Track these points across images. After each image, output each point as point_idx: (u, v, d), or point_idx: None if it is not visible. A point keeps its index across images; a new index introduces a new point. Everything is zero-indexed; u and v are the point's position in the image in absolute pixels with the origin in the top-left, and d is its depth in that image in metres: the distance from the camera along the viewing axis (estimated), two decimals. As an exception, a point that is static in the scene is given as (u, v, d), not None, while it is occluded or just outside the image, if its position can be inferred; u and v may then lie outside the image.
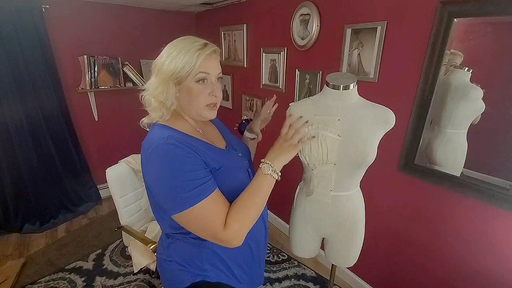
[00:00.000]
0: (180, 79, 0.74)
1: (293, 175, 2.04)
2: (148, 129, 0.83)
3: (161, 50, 0.78)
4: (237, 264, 0.89)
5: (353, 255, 1.23)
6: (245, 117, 2.46)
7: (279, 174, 0.79)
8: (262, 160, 0.80)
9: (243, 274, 0.91)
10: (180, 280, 0.85)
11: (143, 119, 0.83)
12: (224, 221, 0.71)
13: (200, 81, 0.75)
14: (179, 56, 0.72)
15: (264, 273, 1.72)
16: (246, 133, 1.15)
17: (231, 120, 2.72)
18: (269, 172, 0.77)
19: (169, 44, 0.78)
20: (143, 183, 1.70)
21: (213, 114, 0.82)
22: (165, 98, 0.75)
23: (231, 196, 0.81)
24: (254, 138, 1.15)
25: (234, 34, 2.56)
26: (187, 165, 0.70)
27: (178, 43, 0.76)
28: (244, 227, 0.74)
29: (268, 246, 2.31)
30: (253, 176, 0.93)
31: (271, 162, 0.79)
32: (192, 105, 0.78)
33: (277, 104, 1.15)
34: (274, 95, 1.17)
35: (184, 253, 0.85)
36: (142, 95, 0.79)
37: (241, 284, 0.91)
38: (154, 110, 0.78)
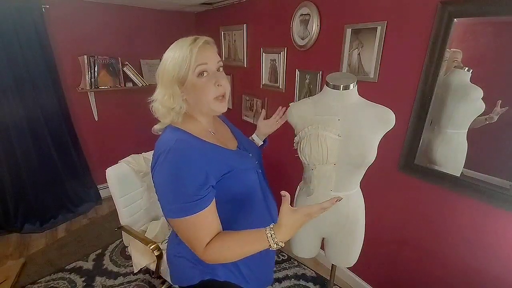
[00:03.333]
0: (182, 79, 0.74)
1: (293, 175, 2.03)
2: (160, 133, 0.82)
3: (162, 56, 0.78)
4: (245, 263, 0.89)
5: (353, 255, 1.24)
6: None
7: (282, 246, 0.71)
8: (272, 227, 0.70)
9: (250, 274, 0.92)
10: (189, 277, 0.87)
11: (155, 126, 0.82)
12: (207, 242, 0.71)
13: (201, 74, 0.74)
14: (174, 57, 0.73)
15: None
16: (253, 135, 1.16)
17: (231, 120, 2.71)
18: (271, 243, 0.69)
19: (167, 50, 0.77)
20: (143, 183, 1.72)
21: (223, 107, 0.80)
22: (173, 103, 0.75)
23: (240, 199, 0.82)
24: (253, 140, 1.16)
25: (234, 34, 2.56)
26: (185, 179, 0.69)
27: (173, 46, 0.76)
28: (219, 261, 0.75)
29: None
30: (263, 178, 0.93)
31: (279, 238, 0.69)
32: (201, 101, 0.77)
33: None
34: (280, 107, 1.18)
35: None
36: (151, 106, 0.79)
37: (248, 284, 0.92)
38: (164, 116, 0.78)
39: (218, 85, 0.76)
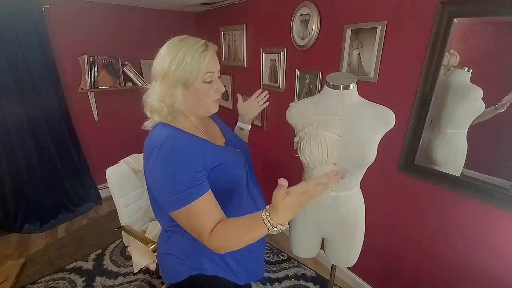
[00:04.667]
0: (189, 82, 0.76)
1: (293, 175, 2.03)
2: (150, 129, 0.84)
3: (158, 51, 0.78)
4: (233, 258, 0.90)
5: (353, 255, 1.24)
6: None
7: (282, 228, 0.67)
8: (267, 209, 0.67)
9: (240, 268, 0.93)
10: (178, 273, 0.88)
11: (146, 122, 0.84)
12: (210, 229, 0.71)
13: (207, 80, 0.78)
14: (185, 60, 0.74)
15: (264, 273, 1.71)
16: (239, 124, 1.21)
17: (231, 120, 2.71)
18: (268, 226, 0.66)
19: (166, 45, 0.77)
20: (143, 183, 1.72)
21: (217, 108, 0.87)
22: (174, 101, 0.77)
23: (229, 192, 0.84)
24: (243, 129, 1.21)
25: (234, 34, 2.56)
26: (178, 169, 0.71)
27: (178, 45, 0.75)
28: (224, 248, 0.73)
29: (268, 246, 2.31)
30: (251, 173, 0.95)
31: (276, 220, 0.65)
32: (201, 103, 0.81)
33: (267, 100, 1.23)
34: (260, 90, 1.25)
35: (181, 246, 0.87)
36: (145, 100, 0.80)
37: (238, 278, 0.93)
38: (156, 111, 0.79)
39: (218, 91, 0.83)
